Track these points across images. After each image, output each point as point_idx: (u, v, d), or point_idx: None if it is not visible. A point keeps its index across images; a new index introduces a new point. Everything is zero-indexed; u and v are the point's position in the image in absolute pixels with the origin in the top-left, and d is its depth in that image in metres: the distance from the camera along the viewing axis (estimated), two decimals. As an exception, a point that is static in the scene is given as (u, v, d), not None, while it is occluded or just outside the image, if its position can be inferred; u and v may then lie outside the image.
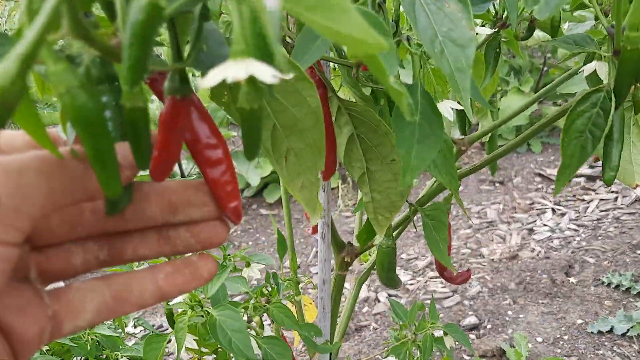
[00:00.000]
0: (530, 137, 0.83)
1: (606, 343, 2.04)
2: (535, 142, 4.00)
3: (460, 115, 1.44)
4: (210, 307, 0.77)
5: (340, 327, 1.31)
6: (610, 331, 2.09)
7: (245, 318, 0.87)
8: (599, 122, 0.60)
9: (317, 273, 1.16)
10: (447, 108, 0.53)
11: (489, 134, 1.37)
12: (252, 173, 3.36)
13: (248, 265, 0.96)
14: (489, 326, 2.24)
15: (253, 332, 0.86)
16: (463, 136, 1.10)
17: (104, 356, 1.59)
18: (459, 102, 0.60)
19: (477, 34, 0.69)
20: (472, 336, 2.19)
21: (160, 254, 0.37)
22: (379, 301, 2.52)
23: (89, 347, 1.55)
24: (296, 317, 1.31)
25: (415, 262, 2.78)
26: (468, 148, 1.12)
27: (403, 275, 2.67)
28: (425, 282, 2.60)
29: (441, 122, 0.51)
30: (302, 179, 0.45)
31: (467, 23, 0.41)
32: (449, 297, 2.46)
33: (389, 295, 2.56)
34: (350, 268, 1.16)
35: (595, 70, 0.77)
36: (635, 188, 1.14)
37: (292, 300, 0.98)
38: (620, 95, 0.57)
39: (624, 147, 1.05)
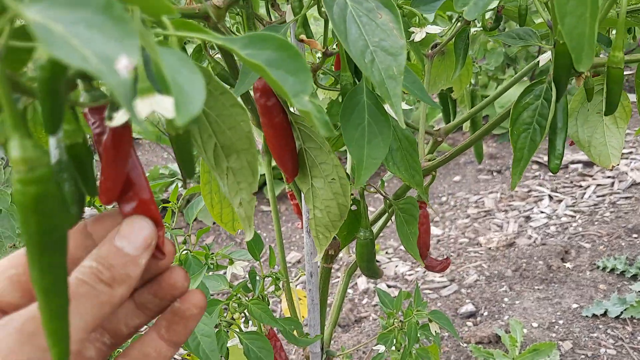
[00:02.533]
0: (487, 132, 0.86)
1: (600, 326, 2.08)
2: (532, 130, 4.01)
3: (445, 106, 1.47)
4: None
5: (331, 318, 1.35)
6: (605, 314, 2.12)
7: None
8: (544, 113, 0.63)
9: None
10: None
11: (470, 123, 1.39)
12: (251, 170, 3.41)
13: (231, 262, 1.00)
14: (485, 313, 2.28)
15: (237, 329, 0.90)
16: (438, 127, 1.13)
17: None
18: (406, 103, 0.64)
19: (428, 33, 0.73)
20: (469, 323, 2.23)
21: (148, 318, 0.40)
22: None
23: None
24: (289, 310, 1.36)
25: (414, 253, 2.82)
26: (444, 139, 1.15)
27: (402, 266, 2.71)
28: (424, 273, 2.64)
29: (388, 122, 0.55)
30: (240, 197, 0.49)
31: (399, 32, 0.45)
32: (446, 286, 2.50)
33: (388, 286, 2.61)
34: (342, 259, 1.20)
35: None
36: (611, 169, 1.17)
37: (275, 294, 1.02)
38: (559, 86, 0.61)
39: (599, 130, 1.09)
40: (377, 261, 2.69)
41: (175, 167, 3.54)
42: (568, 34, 0.48)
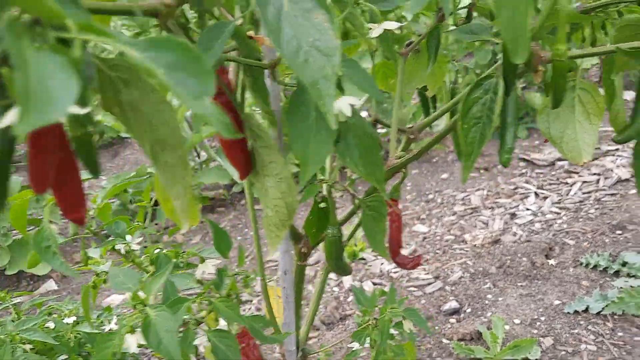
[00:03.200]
0: (447, 132, 0.87)
1: (581, 322, 2.09)
2: (520, 128, 4.03)
3: (423, 99, 1.47)
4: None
5: (308, 316, 1.36)
6: (586, 310, 2.14)
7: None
8: (494, 107, 0.64)
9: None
10: (345, 104, 0.57)
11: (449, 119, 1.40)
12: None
13: (202, 261, 1.01)
14: (468, 310, 2.29)
15: (205, 327, 0.91)
16: (411, 125, 1.14)
17: (87, 353, 1.65)
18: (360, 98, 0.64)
19: (385, 29, 0.73)
20: (452, 320, 2.24)
21: None
22: (364, 290, 2.57)
23: (71, 345, 1.60)
24: (266, 308, 1.36)
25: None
26: (417, 136, 1.15)
27: (387, 264, 2.72)
28: (409, 271, 2.64)
29: (333, 121, 0.55)
30: (176, 190, 0.50)
31: (333, 33, 0.45)
32: (431, 283, 2.51)
33: (374, 284, 2.62)
34: (320, 258, 1.20)
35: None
36: (583, 165, 1.17)
37: (246, 292, 1.02)
38: (507, 80, 0.62)
39: (570, 126, 1.10)
40: (363, 259, 2.70)
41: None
42: (504, 26, 0.49)
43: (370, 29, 0.75)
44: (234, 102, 0.63)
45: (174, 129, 0.45)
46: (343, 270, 1.04)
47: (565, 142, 1.07)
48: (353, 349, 1.27)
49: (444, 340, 2.11)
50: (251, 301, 2.58)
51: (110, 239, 1.06)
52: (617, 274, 2.35)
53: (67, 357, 1.55)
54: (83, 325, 1.58)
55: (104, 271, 1.12)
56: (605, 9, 0.95)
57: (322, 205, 1.04)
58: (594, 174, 3.31)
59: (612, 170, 3.28)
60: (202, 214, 3.36)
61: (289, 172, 0.63)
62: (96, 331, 1.60)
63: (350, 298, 2.51)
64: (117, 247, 1.02)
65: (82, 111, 0.36)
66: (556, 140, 1.06)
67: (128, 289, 0.92)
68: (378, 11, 0.75)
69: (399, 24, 0.71)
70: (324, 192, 1.04)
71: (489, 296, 2.35)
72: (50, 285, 2.83)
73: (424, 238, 2.94)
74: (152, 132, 0.46)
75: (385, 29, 0.73)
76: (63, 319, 1.59)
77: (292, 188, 0.64)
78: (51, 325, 1.58)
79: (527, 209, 3.07)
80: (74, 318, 1.58)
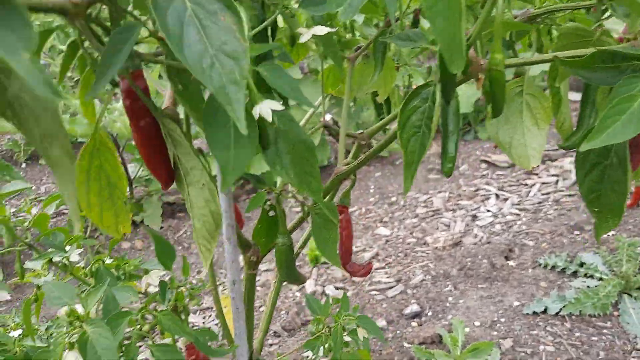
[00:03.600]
0: (394, 138, 0.85)
1: (540, 323, 2.11)
2: (482, 129, 4.08)
3: (377, 109, 1.46)
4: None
5: (262, 325, 1.33)
6: (545, 311, 2.16)
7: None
8: (432, 116, 0.62)
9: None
10: (266, 109, 0.54)
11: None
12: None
13: (146, 272, 0.97)
14: (430, 313, 2.29)
15: (149, 341, 0.87)
16: (361, 131, 1.12)
17: (34, 367, 1.58)
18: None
19: (314, 34, 0.71)
20: (413, 324, 2.24)
21: None
22: (326, 295, 2.55)
23: (17, 359, 1.54)
24: (219, 319, 1.32)
25: (362, 254, 2.82)
26: (368, 141, 1.14)
27: (350, 268, 2.70)
28: (371, 274, 2.64)
29: (254, 125, 0.53)
30: (68, 190, 0.47)
31: (241, 36, 0.43)
32: (392, 286, 2.51)
33: (336, 288, 2.60)
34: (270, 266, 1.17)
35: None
36: (530, 170, 1.17)
37: (193, 304, 0.99)
38: (446, 89, 0.60)
39: (519, 131, 1.09)
40: (325, 264, 2.68)
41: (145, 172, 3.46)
42: (438, 35, 0.47)
43: (301, 34, 0.73)
44: (151, 108, 0.60)
45: (54, 116, 0.42)
46: (296, 279, 1.02)
47: (514, 147, 1.07)
48: (307, 358, 1.25)
49: (405, 345, 2.10)
50: (212, 308, 2.53)
51: (49, 250, 1.01)
52: (574, 274, 2.38)
53: (12, 372, 1.49)
54: (29, 339, 1.52)
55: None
56: (552, 15, 0.95)
57: (272, 213, 1.01)
58: (553, 175, 3.36)
59: (570, 172, 3.34)
60: (161, 219, 3.29)
61: (209, 177, 0.60)
62: (43, 344, 1.54)
63: (312, 303, 2.48)
64: (55, 259, 0.97)
65: None
66: (505, 146, 1.05)
67: (64, 303, 0.88)
68: (310, 16, 0.73)
69: (330, 29, 0.69)
70: (272, 201, 1.01)
71: (450, 299, 2.36)
72: (3, 295, 2.73)
73: (387, 241, 2.94)
74: (38, 125, 0.43)
75: (315, 34, 0.71)
76: (9, 332, 1.53)
77: (214, 194, 0.61)
78: (-4, 339, 1.52)
79: (488, 211, 3.10)
80: (20, 331, 1.52)
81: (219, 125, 0.52)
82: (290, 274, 1.02)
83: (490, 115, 0.65)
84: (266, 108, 0.53)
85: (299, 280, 1.05)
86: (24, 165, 4.43)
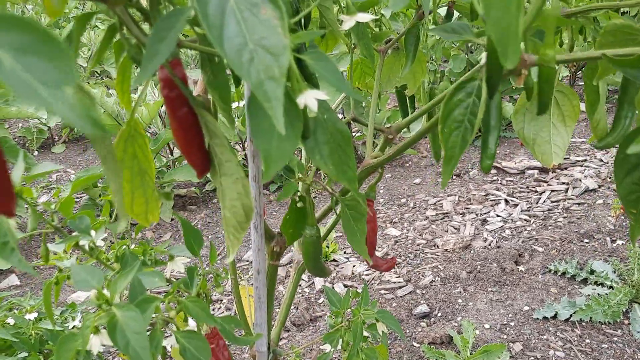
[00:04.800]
0: (424, 133, 0.85)
1: (550, 328, 2.11)
2: (492, 135, 4.07)
3: (401, 100, 1.46)
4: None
5: (279, 317, 1.33)
6: (555, 317, 2.16)
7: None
8: (476, 111, 0.62)
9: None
10: (311, 99, 0.54)
11: (426, 120, 1.39)
12: (211, 167, 3.35)
13: (172, 258, 0.97)
14: (439, 314, 2.29)
15: (174, 327, 0.87)
16: (389, 125, 1.12)
17: (48, 351, 1.59)
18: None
19: (357, 22, 0.71)
20: (422, 324, 2.24)
21: None
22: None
23: (32, 342, 1.54)
24: (237, 308, 1.33)
25: (371, 254, 2.82)
26: (396, 136, 1.14)
27: (359, 267, 2.71)
28: (381, 273, 2.64)
29: (299, 113, 0.53)
30: (113, 185, 0.47)
31: (283, 30, 0.42)
32: (402, 286, 2.51)
33: (345, 285, 2.60)
34: (292, 258, 1.18)
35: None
36: (552, 168, 1.17)
37: (217, 291, 0.99)
38: (491, 83, 0.60)
39: (545, 128, 1.10)
40: (335, 261, 2.68)
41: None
42: (493, 28, 0.47)
43: (342, 20, 0.73)
44: (189, 97, 0.60)
45: (101, 127, 0.42)
46: (322, 271, 1.02)
47: (538, 145, 1.07)
48: (325, 351, 1.25)
49: (415, 344, 2.10)
50: (221, 301, 2.54)
51: (74, 234, 1.01)
52: (585, 281, 2.38)
53: (27, 354, 1.49)
54: (45, 322, 1.52)
55: (68, 267, 1.07)
56: (586, 14, 0.95)
57: (300, 204, 1.02)
58: (563, 183, 3.36)
59: (580, 180, 3.33)
60: (173, 211, 3.30)
61: (243, 173, 0.61)
62: (59, 328, 1.55)
63: (322, 299, 2.49)
64: (80, 243, 0.98)
65: None
66: (529, 142, 1.05)
67: (92, 286, 0.88)
68: (351, 2, 0.73)
69: (373, 16, 0.68)
70: (302, 192, 1.02)
71: (460, 301, 2.36)
72: (12, 280, 2.74)
73: (396, 242, 2.94)
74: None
75: (358, 22, 0.70)
76: (24, 315, 1.54)
77: (247, 189, 0.61)
78: (11, 321, 1.53)
79: (498, 216, 3.10)
80: (36, 314, 1.53)
81: (263, 116, 0.51)
82: (316, 265, 1.02)
83: (536, 112, 0.64)
84: (311, 98, 0.52)
85: (324, 272, 1.05)
86: (36, 153, 4.44)
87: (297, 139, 0.50)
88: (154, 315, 0.90)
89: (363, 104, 3.66)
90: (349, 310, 1.28)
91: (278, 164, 0.50)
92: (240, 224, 0.68)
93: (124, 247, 1.05)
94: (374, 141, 1.11)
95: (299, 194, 1.01)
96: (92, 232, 1.05)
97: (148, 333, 0.88)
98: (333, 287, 2.58)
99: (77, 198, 3.50)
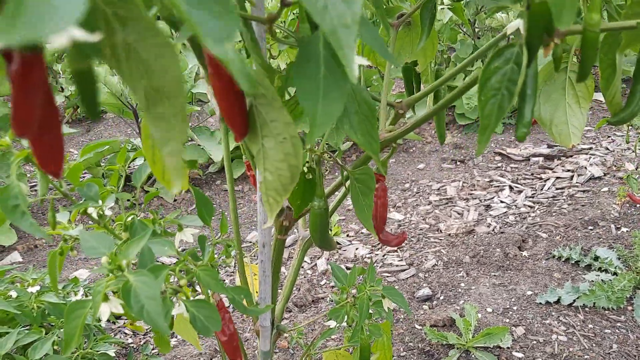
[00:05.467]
0: (444, 106, 0.84)
1: (553, 313, 2.11)
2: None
3: (408, 80, 1.44)
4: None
5: (283, 293, 1.32)
6: (558, 302, 2.15)
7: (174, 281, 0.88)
8: (515, 78, 0.61)
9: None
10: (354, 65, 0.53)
11: (433, 98, 1.37)
12: (215, 149, 3.34)
13: (180, 229, 0.96)
14: (441, 297, 2.29)
15: (183, 297, 0.87)
16: (400, 100, 1.11)
17: (51, 325, 1.59)
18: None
19: None
20: (425, 307, 2.24)
21: None
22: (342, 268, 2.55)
23: (34, 315, 1.54)
24: (241, 283, 1.32)
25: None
26: (406, 111, 1.13)
27: (362, 249, 2.70)
28: (383, 256, 2.63)
29: (345, 75, 0.51)
30: (170, 146, 0.46)
31: None
32: (405, 269, 2.51)
33: (347, 268, 2.59)
34: (296, 238, 1.17)
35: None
36: (570, 148, 1.16)
37: (226, 262, 0.99)
38: (531, 50, 0.58)
39: (560, 109, 1.08)
40: (338, 243, 2.68)
41: (138, 142, 3.45)
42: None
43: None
44: None
45: (176, 76, 0.41)
46: (328, 244, 1.01)
47: (555, 125, 1.06)
48: (330, 327, 1.25)
49: (417, 326, 2.10)
50: (223, 280, 2.53)
51: (81, 201, 1.00)
52: (588, 267, 2.37)
53: (29, 327, 1.49)
54: (47, 295, 1.52)
55: (72, 237, 1.06)
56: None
57: (309, 176, 1.00)
58: (568, 170, 3.34)
59: (585, 168, 3.32)
60: (189, 185, 3.30)
61: (295, 132, 0.59)
62: (61, 302, 1.54)
63: (324, 281, 2.49)
64: (89, 210, 0.97)
65: (89, 37, 0.32)
66: (546, 122, 1.04)
67: (101, 253, 0.87)
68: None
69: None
70: (311, 163, 1.01)
71: (462, 284, 2.35)
72: (15, 257, 2.74)
73: (399, 225, 2.93)
74: (148, 79, 0.42)
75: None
76: (26, 288, 1.53)
77: (297, 149, 0.60)
78: (13, 294, 1.52)
79: (502, 202, 3.09)
80: (38, 287, 1.52)
81: (309, 76, 0.50)
82: (323, 238, 1.02)
83: (577, 79, 0.63)
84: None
85: (331, 245, 1.04)
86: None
87: (343, 101, 0.49)
88: (163, 285, 0.89)
89: (368, 89, 3.64)
90: (354, 290, 1.27)
91: (323, 127, 0.49)
92: (284, 187, 0.66)
93: (134, 215, 1.04)
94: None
95: (307, 165, 1.00)
96: (100, 202, 1.04)
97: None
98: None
99: (80, 178, 3.49)
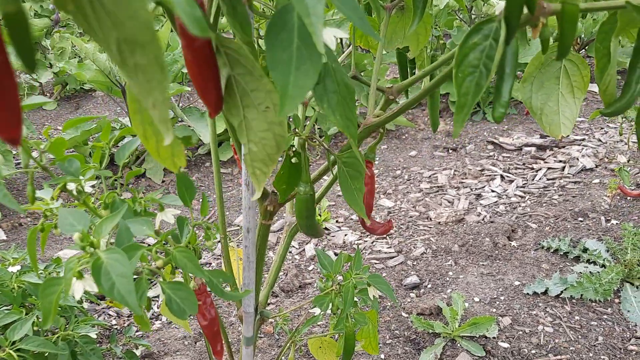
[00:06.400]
0: (432, 89, 0.82)
1: (540, 304, 2.10)
2: (489, 111, 4.03)
3: (401, 63, 1.41)
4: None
5: (268, 279, 1.30)
6: (545, 293, 2.15)
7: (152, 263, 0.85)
8: (492, 55, 0.58)
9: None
10: (329, 36, 0.51)
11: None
12: (205, 130, 3.30)
13: (162, 209, 0.94)
14: (429, 285, 2.28)
15: (160, 278, 0.84)
16: (390, 85, 1.08)
17: (32, 305, 1.56)
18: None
19: None
20: (412, 295, 2.22)
21: None
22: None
23: (14, 295, 1.51)
24: (225, 267, 1.30)
25: (364, 223, 2.80)
26: (397, 97, 1.10)
27: (351, 236, 2.68)
28: (372, 242, 2.62)
29: (320, 43, 0.49)
30: (153, 98, 0.43)
31: None
32: (393, 257, 2.49)
33: (336, 254, 2.58)
34: (284, 223, 1.14)
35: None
36: (560, 139, 1.14)
37: (207, 245, 0.96)
38: (510, 25, 0.56)
39: (553, 98, 1.06)
40: (327, 229, 2.66)
41: (126, 121, 3.41)
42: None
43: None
44: (208, 24, 0.55)
45: (145, 22, 0.38)
46: (314, 230, 0.98)
47: (546, 114, 1.04)
48: (314, 315, 1.23)
49: (403, 314, 2.09)
50: (210, 264, 2.51)
51: (62, 176, 0.97)
52: (577, 259, 2.37)
53: (9, 307, 1.46)
54: (28, 275, 1.49)
55: (54, 213, 1.03)
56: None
57: (294, 160, 0.98)
58: (560, 161, 3.33)
59: (577, 159, 3.31)
60: (163, 173, 3.25)
61: (277, 100, 0.56)
62: (41, 282, 1.51)
63: (312, 267, 2.47)
64: (68, 186, 0.94)
65: None
66: (536, 112, 1.02)
67: (77, 230, 0.84)
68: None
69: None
70: (297, 147, 0.98)
71: (450, 273, 2.34)
72: (-1, 235, 2.70)
73: (389, 212, 2.91)
74: (117, 29, 0.39)
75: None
76: (7, 268, 1.50)
77: (281, 117, 0.57)
78: (-6, 273, 1.49)
79: (493, 191, 3.08)
80: (19, 267, 1.49)
81: (281, 46, 0.47)
82: (309, 224, 0.99)
83: (556, 56, 0.60)
84: (330, 35, 0.49)
85: (317, 232, 1.02)
86: (25, 108, 4.36)
87: (315, 75, 0.46)
88: (140, 264, 0.86)
89: (361, 73, 3.60)
90: (340, 277, 1.25)
91: (294, 101, 0.46)
92: (270, 156, 0.64)
93: (114, 194, 1.01)
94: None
95: (293, 149, 0.97)
96: (81, 177, 1.01)
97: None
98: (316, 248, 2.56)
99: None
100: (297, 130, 0.93)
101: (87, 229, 0.83)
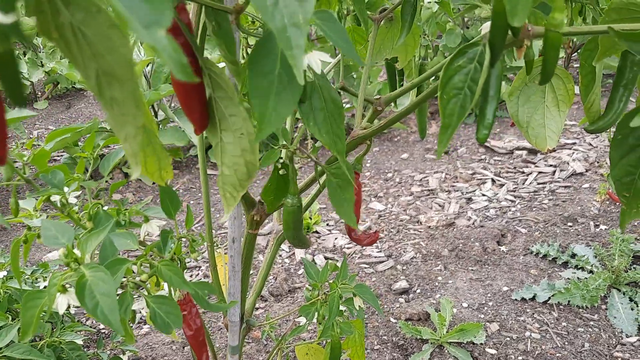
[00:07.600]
0: (418, 104, 0.82)
1: (528, 310, 2.11)
2: (483, 114, 4.04)
3: (390, 73, 1.41)
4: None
5: (254, 287, 1.30)
6: (533, 299, 2.16)
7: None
8: (477, 78, 0.58)
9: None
10: (315, 60, 0.51)
11: (416, 93, 1.35)
12: (196, 132, 3.29)
13: (147, 220, 0.94)
14: (418, 291, 2.28)
15: (145, 292, 0.84)
16: (378, 96, 1.08)
17: (18, 311, 1.55)
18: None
19: None
20: (401, 300, 2.23)
21: None
22: (315, 263, 2.54)
23: (0, 300, 1.51)
24: (212, 276, 1.30)
25: (354, 227, 2.80)
26: (384, 108, 1.10)
27: (341, 239, 2.69)
28: (362, 247, 2.62)
29: (301, 75, 0.49)
30: (125, 132, 0.43)
31: None
32: (383, 261, 2.50)
33: (326, 258, 2.58)
34: (272, 228, 1.14)
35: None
36: (546, 152, 1.15)
37: (191, 256, 0.96)
38: (494, 49, 0.56)
39: (539, 111, 1.06)
40: (317, 232, 2.66)
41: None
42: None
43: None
44: (192, 45, 0.55)
45: (124, 58, 0.38)
46: (301, 242, 0.98)
47: (532, 127, 1.05)
48: (300, 324, 1.23)
49: (392, 320, 2.09)
50: (199, 267, 2.51)
51: (45, 188, 0.97)
52: (565, 264, 2.38)
53: (-5, 313, 1.46)
54: (14, 281, 1.48)
55: (38, 226, 1.03)
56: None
57: (282, 172, 0.98)
58: (550, 165, 3.35)
59: (568, 163, 3.32)
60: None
61: (252, 128, 0.56)
62: (28, 288, 1.51)
63: (301, 271, 2.47)
64: (52, 198, 0.93)
65: (6, 19, 0.29)
66: (522, 125, 1.03)
67: (61, 244, 0.84)
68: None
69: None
70: (285, 159, 0.98)
71: (439, 278, 2.35)
72: (-13, 236, 2.69)
73: (380, 216, 2.92)
74: (97, 61, 0.39)
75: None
76: (-6, 273, 1.50)
77: (253, 146, 0.58)
78: (-20, 278, 1.48)
79: (483, 195, 3.09)
80: (5, 273, 1.49)
81: (262, 74, 0.48)
82: (296, 236, 0.99)
83: (539, 81, 0.61)
84: (315, 59, 0.49)
85: (304, 243, 1.02)
86: (17, 108, 4.34)
87: (294, 102, 0.47)
88: (124, 278, 0.86)
89: (354, 75, 3.60)
90: (327, 283, 1.25)
91: (271, 126, 0.47)
92: (240, 182, 0.64)
93: (98, 206, 1.01)
94: (363, 113, 1.07)
95: (281, 161, 0.97)
96: (65, 189, 1.01)
97: (118, 296, 0.85)
98: (314, 259, 2.56)
99: (58, 157, 3.43)
100: (285, 143, 0.93)
101: (72, 243, 0.83)
